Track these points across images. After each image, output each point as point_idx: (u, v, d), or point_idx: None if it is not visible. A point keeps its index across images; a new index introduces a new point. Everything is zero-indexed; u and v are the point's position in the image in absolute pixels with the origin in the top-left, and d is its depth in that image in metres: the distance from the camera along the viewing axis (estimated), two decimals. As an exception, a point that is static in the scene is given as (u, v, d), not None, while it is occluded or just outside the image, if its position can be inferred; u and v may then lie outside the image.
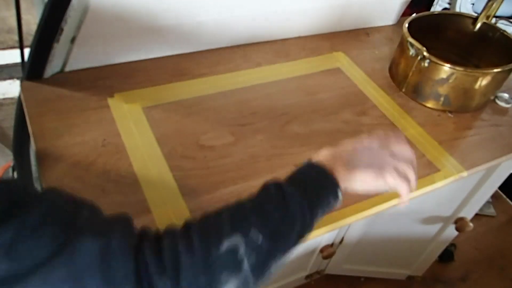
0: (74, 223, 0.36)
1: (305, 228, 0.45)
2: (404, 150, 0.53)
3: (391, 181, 0.49)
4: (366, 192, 0.49)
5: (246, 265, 0.39)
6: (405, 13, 1.10)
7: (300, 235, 0.45)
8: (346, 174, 0.48)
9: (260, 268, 0.41)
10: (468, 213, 1.03)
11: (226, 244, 0.39)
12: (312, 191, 0.46)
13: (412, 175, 0.51)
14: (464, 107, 0.86)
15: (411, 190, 0.51)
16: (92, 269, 0.34)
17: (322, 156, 0.50)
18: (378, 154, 0.51)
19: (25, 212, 0.33)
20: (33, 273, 0.32)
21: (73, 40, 0.70)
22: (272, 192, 0.45)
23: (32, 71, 0.72)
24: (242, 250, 0.39)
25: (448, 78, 0.80)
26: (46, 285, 0.33)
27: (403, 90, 0.88)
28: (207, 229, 0.41)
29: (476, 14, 0.94)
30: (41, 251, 0.33)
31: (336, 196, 0.47)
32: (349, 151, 0.50)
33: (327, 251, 0.91)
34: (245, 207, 0.43)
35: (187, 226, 0.42)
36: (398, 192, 0.51)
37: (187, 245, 0.39)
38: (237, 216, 0.42)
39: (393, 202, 0.67)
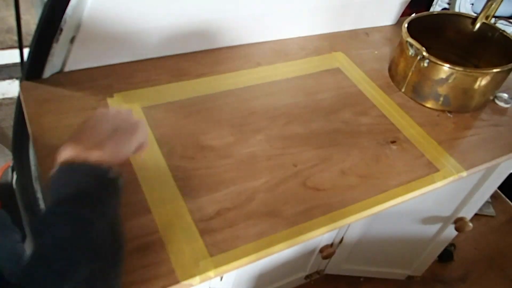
0: None
1: (116, 225, 0.44)
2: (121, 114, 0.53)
3: (132, 140, 0.50)
4: (119, 158, 0.49)
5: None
6: (405, 13, 1.10)
7: (117, 240, 0.44)
8: (102, 154, 0.46)
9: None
10: (467, 213, 1.04)
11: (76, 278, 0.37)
12: (94, 196, 0.44)
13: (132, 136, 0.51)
14: (464, 107, 0.86)
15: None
16: None
17: (68, 154, 0.46)
18: (106, 125, 0.50)
19: None
20: None
21: (72, 40, 0.70)
22: (54, 228, 0.40)
23: (31, 71, 0.72)
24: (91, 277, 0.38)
25: (447, 78, 0.80)
26: None
27: (403, 90, 0.88)
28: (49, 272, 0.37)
29: (475, 14, 0.94)
30: None
31: (115, 180, 0.46)
32: (90, 135, 0.48)
33: (327, 251, 0.91)
34: (61, 247, 0.39)
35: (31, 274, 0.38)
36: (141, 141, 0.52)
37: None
38: (61, 260, 0.38)
39: (393, 202, 0.67)
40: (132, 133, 0.50)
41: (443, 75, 0.80)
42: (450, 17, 0.97)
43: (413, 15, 0.91)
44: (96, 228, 0.41)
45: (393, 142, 0.77)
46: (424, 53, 0.80)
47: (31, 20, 1.79)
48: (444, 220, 1.04)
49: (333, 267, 1.07)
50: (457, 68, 0.78)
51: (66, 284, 0.37)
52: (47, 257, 0.39)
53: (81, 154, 0.45)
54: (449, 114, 0.86)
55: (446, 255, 1.41)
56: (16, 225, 0.49)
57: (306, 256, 0.95)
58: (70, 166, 0.45)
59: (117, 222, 0.45)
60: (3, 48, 1.94)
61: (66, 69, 0.77)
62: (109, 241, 0.42)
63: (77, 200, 0.42)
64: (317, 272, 1.07)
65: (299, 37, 0.99)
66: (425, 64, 0.81)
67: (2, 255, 0.43)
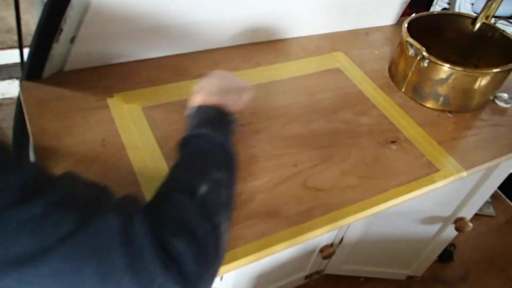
0: (95, 201, 0.39)
1: (232, 149, 0.56)
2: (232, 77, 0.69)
3: (245, 93, 0.66)
4: (242, 106, 0.65)
5: (224, 193, 0.50)
6: (405, 13, 1.10)
7: (233, 156, 0.56)
8: (225, 101, 0.61)
9: (230, 200, 0.52)
10: (467, 213, 1.04)
11: (201, 190, 0.47)
12: (223, 126, 0.58)
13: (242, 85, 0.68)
14: (464, 107, 0.86)
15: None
16: (115, 243, 0.37)
17: (201, 99, 0.60)
18: (227, 82, 0.65)
19: (50, 190, 0.36)
20: (57, 248, 0.34)
21: (72, 40, 0.70)
22: (202, 142, 0.54)
23: (31, 71, 0.72)
24: (214, 187, 0.48)
25: (447, 78, 0.80)
26: (71, 261, 0.35)
27: (403, 90, 0.88)
28: (182, 187, 0.47)
29: (475, 14, 0.94)
30: (65, 226, 0.35)
31: (233, 120, 0.60)
32: (214, 88, 0.63)
33: (327, 251, 0.91)
34: (193, 162, 0.52)
35: (165, 189, 0.49)
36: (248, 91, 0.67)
37: (177, 202, 0.45)
38: (194, 169, 0.51)
39: (393, 202, 0.67)
40: (243, 91, 0.66)
41: (443, 75, 0.80)
42: (450, 17, 0.97)
43: (413, 15, 0.91)
44: (224, 146, 0.55)
45: (393, 142, 0.77)
46: (424, 53, 0.80)
47: (31, 20, 1.79)
48: (444, 220, 1.04)
49: (333, 267, 1.07)
50: (457, 68, 0.78)
51: (203, 182, 0.48)
52: (189, 161, 0.52)
53: (209, 99, 0.60)
54: (449, 114, 0.86)
55: (446, 255, 1.41)
56: None
57: (306, 256, 0.95)
58: (203, 107, 0.59)
59: (233, 147, 0.57)
60: (3, 48, 1.94)
61: (66, 69, 0.77)
62: (230, 158, 0.55)
63: (210, 126, 0.56)
64: (317, 272, 1.07)
65: (299, 37, 0.99)
66: (425, 64, 0.81)
67: None
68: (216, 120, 0.58)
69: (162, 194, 0.47)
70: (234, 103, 0.62)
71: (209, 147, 0.54)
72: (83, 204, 0.37)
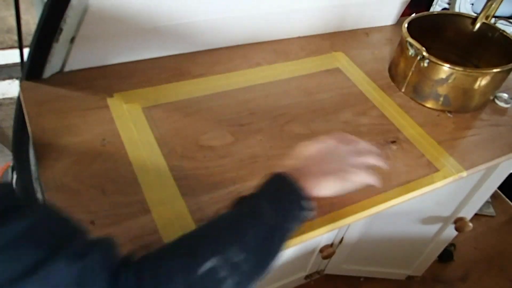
0: (57, 243, 0.35)
1: (281, 243, 0.46)
2: (362, 144, 0.57)
3: (357, 180, 0.52)
4: (335, 195, 0.51)
5: (229, 284, 0.40)
6: (405, 13, 1.10)
7: (277, 251, 0.45)
8: (313, 182, 0.49)
9: (244, 285, 0.42)
10: (467, 213, 1.04)
11: (205, 267, 0.39)
12: (284, 206, 0.46)
13: (373, 160, 0.55)
14: (464, 107, 0.86)
15: (377, 177, 0.54)
16: None
17: (288, 166, 0.50)
18: (339, 155, 0.53)
19: (10, 223, 0.32)
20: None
21: (72, 40, 0.70)
22: (245, 211, 0.45)
23: (31, 71, 0.72)
24: (222, 270, 0.40)
25: (447, 78, 0.80)
26: None
27: (403, 90, 0.88)
28: (184, 253, 0.41)
29: (475, 14, 0.94)
30: (17, 266, 0.32)
31: (305, 209, 0.48)
32: (313, 159, 0.52)
33: (327, 251, 0.91)
34: (221, 228, 0.44)
35: (165, 251, 0.42)
36: (369, 184, 0.54)
37: (167, 271, 0.39)
38: (213, 238, 0.43)
39: (393, 202, 0.67)
40: (361, 174, 0.52)
41: (443, 75, 0.80)
42: (450, 17, 0.97)
43: (413, 15, 0.91)
44: (274, 234, 0.45)
45: (393, 142, 0.77)
46: (424, 53, 0.80)
47: (31, 20, 1.79)
48: (444, 220, 1.04)
49: (333, 267, 1.07)
50: (457, 68, 0.78)
51: (214, 256, 0.40)
52: (219, 225, 0.44)
53: (300, 175, 0.49)
54: (449, 114, 0.86)
55: (446, 255, 1.41)
56: None
57: (306, 256, 0.95)
58: (284, 178, 0.48)
59: (283, 241, 0.47)
60: (3, 48, 1.94)
61: (66, 69, 0.77)
62: (270, 251, 0.45)
63: (277, 203, 0.46)
64: (317, 272, 1.07)
65: (299, 37, 0.99)
66: (425, 64, 0.81)
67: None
68: (289, 210, 0.46)
69: (158, 259, 0.41)
70: (334, 190, 0.50)
71: (255, 223, 0.44)
72: (43, 244, 0.34)
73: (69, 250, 0.35)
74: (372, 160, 0.55)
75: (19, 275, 0.32)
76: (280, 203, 0.46)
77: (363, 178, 0.52)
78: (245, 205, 0.46)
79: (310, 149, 0.53)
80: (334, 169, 0.51)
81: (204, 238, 0.43)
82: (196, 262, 0.40)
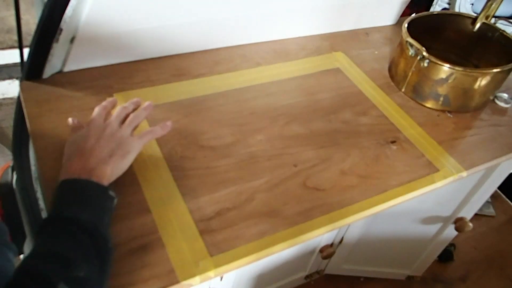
0: None
1: (104, 243, 0.46)
2: (116, 115, 0.58)
3: (135, 145, 0.56)
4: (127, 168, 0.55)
5: None
6: (405, 13, 1.10)
7: (105, 251, 0.46)
8: (104, 171, 0.51)
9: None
10: (467, 213, 1.04)
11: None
12: (96, 206, 0.48)
13: (137, 119, 0.58)
14: (464, 107, 0.86)
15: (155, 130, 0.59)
16: None
17: (72, 169, 0.50)
18: (104, 135, 0.54)
19: None
20: None
21: (72, 40, 0.70)
22: (63, 227, 0.44)
23: (31, 71, 0.72)
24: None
25: (447, 78, 0.80)
26: None
27: (403, 90, 0.88)
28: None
29: (475, 14, 0.94)
30: None
31: (111, 198, 0.51)
32: (84, 151, 0.52)
33: (327, 251, 0.91)
34: (50, 254, 0.42)
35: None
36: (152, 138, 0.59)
37: None
38: (57, 260, 0.41)
39: (393, 202, 0.67)
40: (129, 150, 0.55)
41: (443, 75, 0.80)
42: (450, 17, 0.97)
43: (413, 15, 0.91)
44: (97, 233, 0.46)
45: (393, 142, 0.77)
46: (424, 53, 0.80)
47: (31, 20, 1.79)
48: (444, 220, 1.04)
49: (333, 267, 1.07)
50: (457, 68, 0.78)
51: (62, 279, 0.39)
52: (50, 249, 0.42)
53: (85, 169, 0.50)
54: (449, 114, 0.86)
55: (446, 255, 1.41)
56: (18, 234, 0.51)
57: (306, 256, 0.95)
58: (69, 180, 0.49)
59: (108, 233, 0.49)
60: (3, 48, 1.94)
61: (66, 69, 0.76)
62: (104, 247, 0.46)
63: (80, 206, 0.46)
64: (317, 272, 1.07)
65: (299, 37, 0.99)
66: (425, 64, 0.81)
67: None
68: (87, 198, 0.47)
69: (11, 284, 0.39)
70: (119, 168, 0.53)
71: (78, 233, 0.44)
72: None
73: None
74: (136, 120, 0.58)
75: None
76: (90, 205, 0.47)
77: (139, 142, 0.56)
78: (65, 222, 0.45)
79: (75, 144, 0.54)
80: (109, 149, 0.53)
81: (46, 264, 0.41)
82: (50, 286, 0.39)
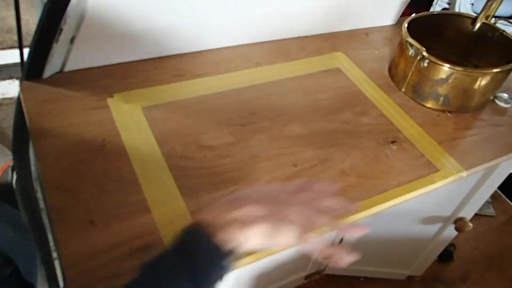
0: None
1: None
2: (315, 185, 0.47)
3: (293, 228, 0.43)
4: (265, 246, 0.43)
5: None
6: (405, 13, 1.10)
7: None
8: (237, 234, 0.41)
9: None
10: (467, 213, 1.04)
11: None
12: (202, 267, 0.40)
13: (329, 202, 0.46)
14: (464, 107, 0.86)
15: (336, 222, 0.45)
16: None
17: (208, 218, 0.42)
18: (283, 200, 0.44)
19: None
20: None
21: (72, 40, 0.70)
22: (161, 275, 0.39)
23: (31, 71, 0.72)
24: None
25: (447, 78, 0.80)
26: None
27: (403, 90, 0.88)
28: None
29: (475, 14, 0.94)
30: None
31: (224, 268, 0.41)
32: (243, 211, 0.42)
33: (327, 251, 0.91)
34: None
35: None
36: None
37: None
38: None
39: (393, 202, 0.67)
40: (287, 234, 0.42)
41: (443, 75, 0.80)
42: (450, 17, 0.97)
43: (413, 15, 0.91)
44: None
45: (393, 142, 0.77)
46: (424, 53, 0.80)
47: (31, 20, 1.78)
48: (444, 220, 1.04)
49: (333, 267, 1.07)
50: (457, 68, 0.78)
51: None
52: None
53: (217, 227, 0.41)
54: (449, 114, 0.86)
55: (446, 255, 1.41)
56: None
57: (306, 256, 0.95)
58: (198, 231, 0.41)
59: None
60: (3, 48, 1.94)
61: (66, 69, 0.77)
62: None
63: (193, 274, 0.39)
64: (317, 272, 1.07)
65: (299, 37, 0.99)
66: (425, 64, 0.81)
67: (20, 254, 0.44)
68: (207, 263, 0.40)
69: None
70: (257, 244, 0.41)
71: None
72: None
73: None
74: (327, 202, 0.46)
75: None
76: (197, 265, 0.39)
77: (306, 225, 0.43)
78: (160, 269, 0.39)
79: (241, 201, 0.44)
80: (273, 216, 0.42)
81: None
82: None
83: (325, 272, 1.08)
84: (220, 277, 0.41)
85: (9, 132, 1.62)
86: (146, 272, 0.40)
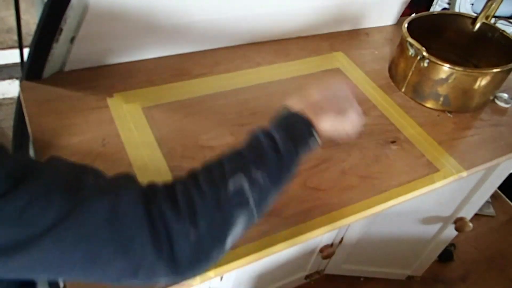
0: (81, 186, 0.38)
1: (294, 167, 0.50)
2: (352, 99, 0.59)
3: (351, 119, 0.56)
4: (332, 134, 0.55)
5: (251, 200, 0.44)
6: (405, 13, 1.10)
7: (291, 173, 0.50)
8: (316, 120, 0.53)
9: (262, 203, 0.46)
10: (467, 213, 1.04)
11: (232, 184, 0.44)
12: (296, 136, 0.51)
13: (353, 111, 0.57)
14: (464, 107, 0.86)
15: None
16: (103, 228, 0.37)
17: (295, 104, 0.54)
18: (334, 101, 0.57)
19: (34, 180, 0.35)
20: (44, 236, 0.34)
21: (72, 40, 0.70)
22: (262, 138, 0.49)
23: (31, 71, 0.72)
24: (246, 188, 0.44)
25: (447, 78, 0.80)
26: (59, 248, 0.35)
27: (403, 90, 0.88)
28: (212, 174, 0.45)
29: (475, 14, 0.94)
30: (51, 215, 0.35)
31: (315, 140, 0.53)
32: (316, 101, 0.56)
33: (327, 251, 0.91)
34: (242, 153, 0.48)
35: (193, 174, 0.45)
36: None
37: (198, 190, 0.43)
38: (236, 160, 0.47)
39: (393, 202, 0.67)
40: (352, 123, 0.56)
41: (443, 75, 0.80)
42: (450, 17, 0.97)
43: (413, 15, 0.91)
44: (288, 162, 0.49)
45: (393, 142, 0.77)
46: (424, 53, 0.80)
47: (31, 20, 1.79)
48: (444, 220, 1.04)
49: (333, 267, 1.07)
50: (457, 68, 0.78)
51: (240, 174, 0.45)
52: (243, 152, 0.48)
53: (308, 113, 0.52)
54: (449, 114, 0.86)
55: (446, 255, 1.41)
56: None
57: (306, 256, 0.95)
58: (296, 116, 0.52)
59: (296, 169, 0.51)
60: (3, 48, 1.94)
61: (66, 69, 0.77)
62: (286, 175, 0.50)
63: (289, 138, 0.49)
64: (317, 272, 1.07)
65: (300, 37, 0.99)
66: (425, 64, 0.81)
67: None
68: (299, 136, 0.51)
69: (189, 180, 0.45)
70: (335, 130, 0.55)
71: (272, 153, 0.48)
72: (68, 190, 0.37)
73: (94, 190, 0.38)
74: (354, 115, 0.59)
75: (56, 222, 0.35)
76: (294, 136, 0.50)
77: (355, 120, 0.56)
78: (264, 135, 0.49)
79: (313, 93, 0.57)
80: (334, 108, 0.55)
81: (229, 162, 0.46)
82: (224, 181, 0.44)
83: (325, 272, 1.08)
84: (308, 144, 0.52)
85: (9, 132, 1.62)
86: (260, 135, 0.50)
